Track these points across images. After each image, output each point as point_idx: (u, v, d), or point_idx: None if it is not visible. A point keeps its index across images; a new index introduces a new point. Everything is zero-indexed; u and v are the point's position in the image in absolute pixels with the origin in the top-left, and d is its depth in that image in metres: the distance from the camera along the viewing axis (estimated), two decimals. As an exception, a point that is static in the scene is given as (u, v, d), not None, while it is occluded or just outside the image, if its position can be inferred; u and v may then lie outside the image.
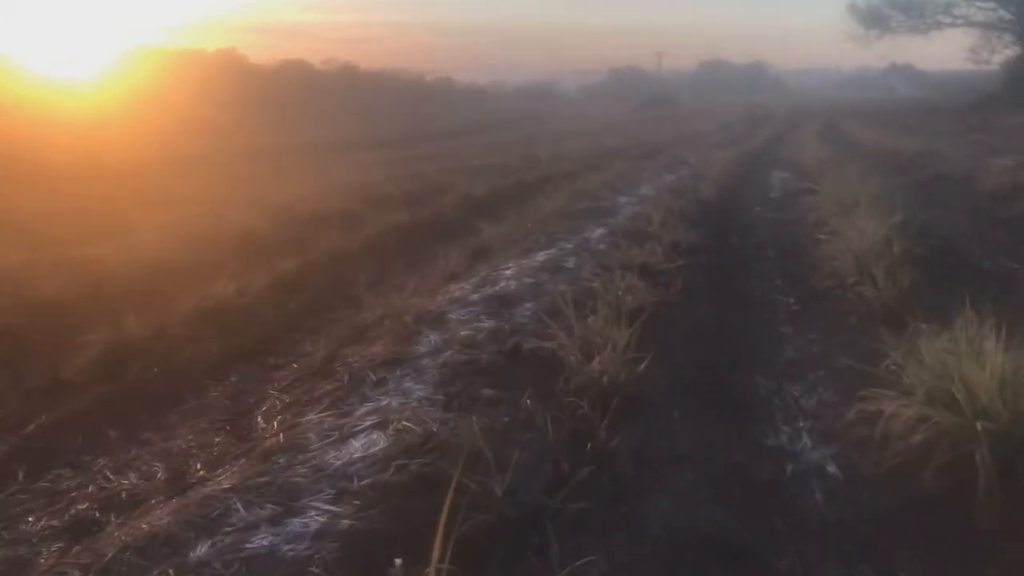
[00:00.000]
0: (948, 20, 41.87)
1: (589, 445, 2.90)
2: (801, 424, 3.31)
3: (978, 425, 2.50)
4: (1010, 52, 41.69)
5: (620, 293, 4.76)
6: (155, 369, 4.84)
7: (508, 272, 5.53)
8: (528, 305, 4.69)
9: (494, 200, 10.60)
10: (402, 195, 12.06)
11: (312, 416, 3.38)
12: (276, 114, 41.18)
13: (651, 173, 12.56)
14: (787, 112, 44.77)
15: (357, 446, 2.95)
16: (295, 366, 4.56)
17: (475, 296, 4.93)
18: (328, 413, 3.37)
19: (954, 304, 4.25)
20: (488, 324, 4.31)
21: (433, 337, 4.13)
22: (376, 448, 2.89)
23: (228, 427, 3.76)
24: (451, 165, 18.74)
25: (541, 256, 5.97)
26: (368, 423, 3.15)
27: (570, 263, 5.73)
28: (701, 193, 9.71)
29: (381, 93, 56.55)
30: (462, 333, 4.11)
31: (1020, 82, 37.70)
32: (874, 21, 42.01)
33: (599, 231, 6.98)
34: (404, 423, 3.04)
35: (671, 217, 7.71)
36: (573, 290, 4.90)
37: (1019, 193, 7.60)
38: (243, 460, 3.13)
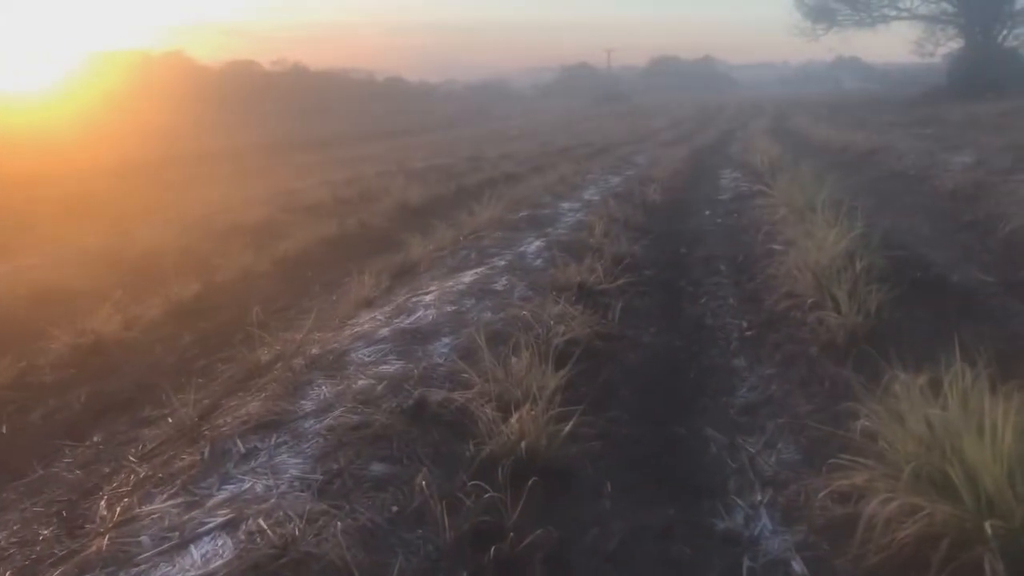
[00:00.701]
0: (893, 13, 42.20)
1: (493, 549, 2.27)
2: (759, 496, 2.72)
3: (987, 526, 1.93)
4: (954, 45, 42.30)
5: (552, 323, 4.15)
6: (2, 428, 4.09)
7: (429, 297, 4.88)
8: (445, 340, 4.04)
9: (430, 208, 9.93)
10: (335, 202, 11.33)
11: (157, 504, 2.70)
12: (224, 116, 41.04)
13: (598, 174, 12.00)
14: (737, 107, 44.83)
15: (194, 559, 2.28)
16: (170, 421, 3.85)
17: (386, 330, 4.27)
18: (176, 501, 2.68)
19: (928, 333, 3.73)
20: (394, 367, 3.66)
21: (325, 389, 3.46)
22: (216, 563, 2.23)
23: (64, 513, 3.04)
24: (393, 167, 18.00)
25: (469, 276, 5.33)
26: (218, 519, 2.47)
27: (500, 284, 5.10)
28: (648, 197, 9.17)
29: (331, 93, 56.68)
30: (359, 383, 3.45)
31: (964, 74, 38.19)
32: (821, 15, 42.14)
33: (537, 243, 6.37)
34: (260, 522, 2.37)
35: (615, 226, 7.15)
36: (500, 320, 4.29)
37: (981, 193, 7.18)
38: (56, 574, 2.44)
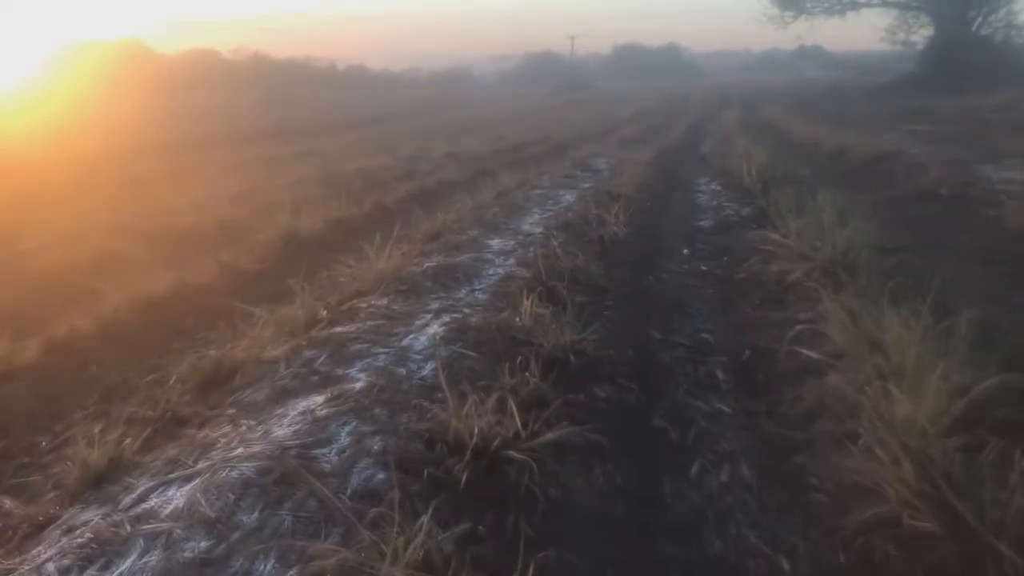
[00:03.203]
0: (864, 0, 40.49)
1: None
2: None
3: None
4: (925, 32, 40.73)
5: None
6: None
7: (175, 504, 2.61)
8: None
9: (323, 240, 7.62)
10: (216, 226, 8.97)
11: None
12: (178, 106, 39.51)
13: (547, 187, 9.76)
14: (703, 96, 42.89)
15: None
16: None
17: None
18: None
19: None
20: None
21: None
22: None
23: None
24: (320, 171, 15.60)
25: (288, 422, 3.06)
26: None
27: (339, 444, 2.85)
28: (608, 226, 6.95)
29: (292, 82, 55.50)
30: None
31: (937, 63, 36.57)
32: (790, 2, 40.31)
33: (435, 328, 4.11)
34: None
35: (558, 285, 4.93)
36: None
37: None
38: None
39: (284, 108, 43.31)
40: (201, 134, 28.52)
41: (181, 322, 5.31)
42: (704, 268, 5.76)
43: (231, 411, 3.40)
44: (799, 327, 4.05)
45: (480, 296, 4.80)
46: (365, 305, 4.67)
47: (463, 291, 4.93)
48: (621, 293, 5.13)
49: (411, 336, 4.03)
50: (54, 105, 34.10)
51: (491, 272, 5.39)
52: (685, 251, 6.40)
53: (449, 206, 8.87)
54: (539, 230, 6.87)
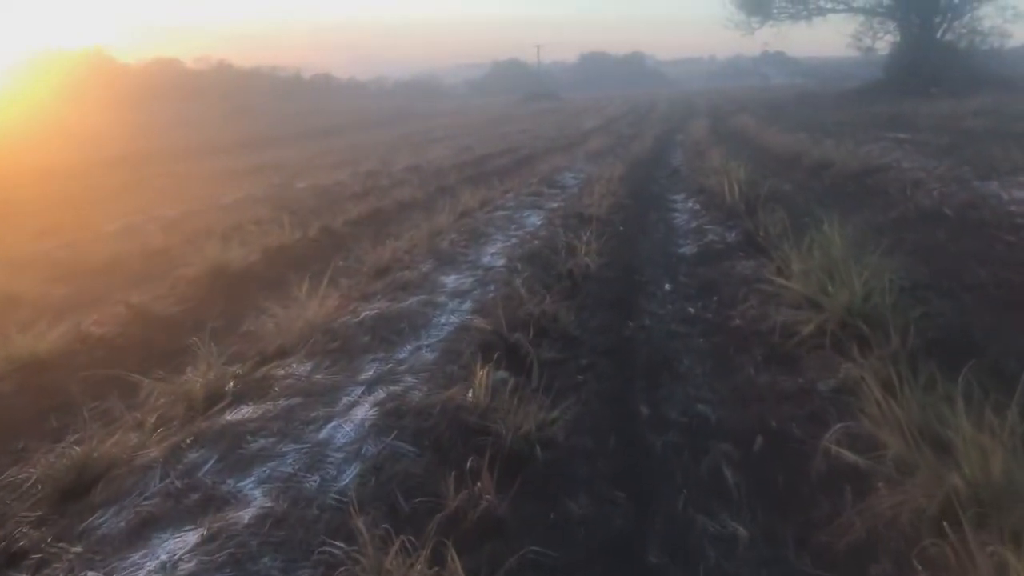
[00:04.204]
0: (829, 6, 40.42)
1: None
2: None
3: None
4: (890, 38, 40.69)
5: None
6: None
7: None
8: None
9: (250, 279, 6.66)
10: (140, 258, 8.01)
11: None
12: (142, 117, 38.59)
13: (512, 208, 8.94)
14: (671, 104, 42.48)
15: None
16: None
17: None
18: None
19: None
20: None
21: None
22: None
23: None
24: (272, 188, 14.69)
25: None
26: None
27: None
28: (578, 256, 6.12)
29: (256, 91, 54.95)
30: None
31: (903, 69, 36.44)
32: (756, 7, 40.10)
33: (361, 412, 3.24)
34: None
35: (522, 338, 4.10)
36: None
37: None
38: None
39: (247, 118, 42.64)
40: (161, 146, 27.57)
41: (66, 389, 4.36)
42: (691, 310, 4.95)
43: (77, 548, 2.51)
44: (820, 402, 3.25)
45: (427, 356, 3.94)
46: (283, 372, 3.79)
47: (407, 349, 4.07)
48: (597, 346, 4.30)
49: (333, 424, 3.16)
50: (9, 117, 33.26)
51: (443, 321, 4.53)
52: (667, 286, 5.59)
53: (404, 231, 8.02)
54: (501, 262, 6.03)
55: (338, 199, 12.03)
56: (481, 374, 3.33)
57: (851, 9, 40.54)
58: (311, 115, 45.51)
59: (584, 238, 6.57)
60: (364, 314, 4.61)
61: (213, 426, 3.19)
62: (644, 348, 4.28)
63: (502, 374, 3.75)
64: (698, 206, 8.77)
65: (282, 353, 4.15)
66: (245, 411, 3.32)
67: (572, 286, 5.45)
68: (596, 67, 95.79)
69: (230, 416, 3.28)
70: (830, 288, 4.11)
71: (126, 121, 36.29)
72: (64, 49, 56.65)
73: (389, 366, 3.80)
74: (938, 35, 38.47)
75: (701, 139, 18.72)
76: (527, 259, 6.05)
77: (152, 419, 3.34)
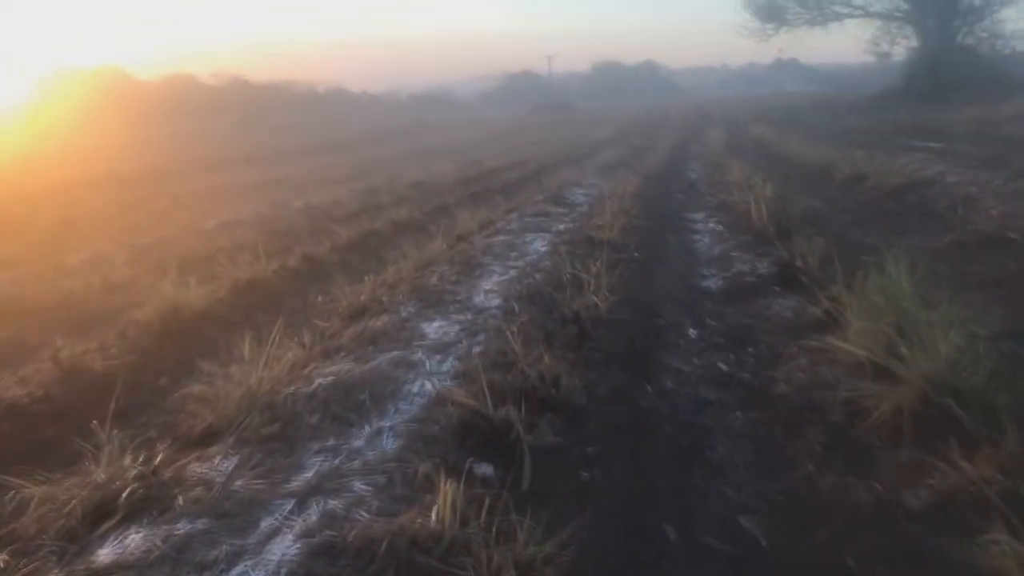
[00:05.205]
0: (846, 11, 39.52)
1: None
2: None
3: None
4: (908, 43, 39.67)
5: None
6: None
7: None
8: None
9: (209, 322, 5.83)
10: (84, 300, 7.19)
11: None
12: (157, 133, 38.88)
13: (516, 232, 8.06)
14: (684, 114, 41.58)
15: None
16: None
17: None
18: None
19: None
20: None
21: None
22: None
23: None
24: (267, 208, 13.91)
25: None
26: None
27: None
28: (587, 293, 5.22)
29: (271, 106, 55.32)
30: None
31: (923, 75, 35.36)
32: (771, 14, 39.24)
33: (281, 549, 2.37)
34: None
35: (513, 414, 3.22)
36: None
37: None
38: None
39: (260, 133, 42.46)
40: (173, 161, 26.96)
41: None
42: (724, 367, 4.06)
43: None
44: (912, 528, 2.35)
45: (388, 445, 3.07)
46: (199, 471, 2.92)
47: (364, 434, 3.19)
48: (607, 423, 3.41)
49: (242, 567, 2.28)
50: (27, 135, 33.63)
51: (415, 391, 3.65)
52: (692, 333, 4.70)
53: (395, 258, 7.18)
54: (496, 303, 5.15)
55: (332, 220, 11.21)
56: (445, 491, 2.44)
57: (868, 14, 39.63)
58: (324, 129, 45.18)
59: (593, 269, 5.67)
60: (318, 381, 3.73)
61: (87, 571, 2.32)
62: (667, 426, 3.39)
63: (485, 468, 2.90)
64: (721, 227, 7.87)
65: (208, 437, 3.29)
66: (130, 542, 2.46)
67: (578, 334, 4.55)
68: (609, 77, 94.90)
69: (106, 552, 2.41)
70: (903, 350, 3.20)
71: (142, 137, 36.64)
72: (82, 68, 56.97)
73: (336, 462, 2.93)
74: (957, 39, 37.38)
75: (717, 150, 17.84)
76: (526, 298, 5.17)
77: (10, 546, 2.48)
